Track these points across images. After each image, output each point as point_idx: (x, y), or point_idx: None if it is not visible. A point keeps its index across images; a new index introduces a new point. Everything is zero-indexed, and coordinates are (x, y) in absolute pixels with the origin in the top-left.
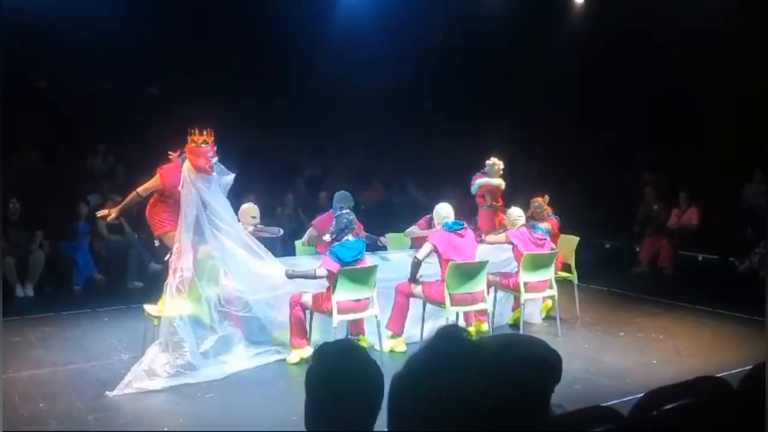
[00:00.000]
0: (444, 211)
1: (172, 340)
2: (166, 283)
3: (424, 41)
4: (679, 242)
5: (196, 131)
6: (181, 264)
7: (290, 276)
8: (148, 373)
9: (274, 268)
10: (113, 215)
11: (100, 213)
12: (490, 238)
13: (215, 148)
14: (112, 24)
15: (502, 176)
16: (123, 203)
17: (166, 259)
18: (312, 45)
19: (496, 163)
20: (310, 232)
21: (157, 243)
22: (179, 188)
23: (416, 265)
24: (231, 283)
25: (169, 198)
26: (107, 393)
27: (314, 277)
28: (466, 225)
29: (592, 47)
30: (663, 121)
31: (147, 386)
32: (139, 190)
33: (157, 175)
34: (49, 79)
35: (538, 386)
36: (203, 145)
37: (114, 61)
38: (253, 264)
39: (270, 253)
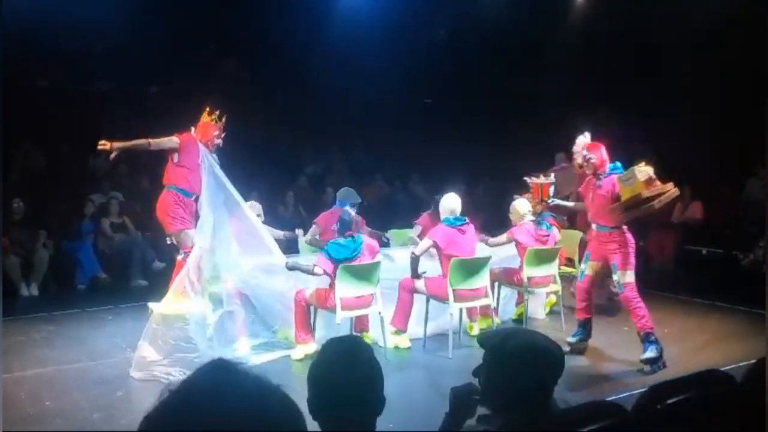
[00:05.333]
0: (450, 204)
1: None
2: (178, 279)
3: (426, 38)
4: (683, 236)
5: (209, 111)
6: (193, 260)
7: (290, 267)
8: (151, 342)
9: (278, 258)
10: (113, 148)
11: (100, 145)
12: (492, 241)
13: (222, 134)
14: (112, 24)
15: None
16: (129, 143)
17: (180, 258)
18: (313, 43)
19: None
20: (313, 230)
21: (169, 241)
22: (198, 161)
23: (414, 260)
24: (233, 279)
25: (182, 166)
26: (132, 374)
27: (312, 274)
28: (468, 220)
29: (592, 45)
30: (666, 116)
31: (154, 357)
32: (151, 140)
33: (175, 138)
34: (51, 78)
35: (539, 375)
36: (214, 123)
37: (114, 60)
38: (258, 252)
39: (275, 244)
